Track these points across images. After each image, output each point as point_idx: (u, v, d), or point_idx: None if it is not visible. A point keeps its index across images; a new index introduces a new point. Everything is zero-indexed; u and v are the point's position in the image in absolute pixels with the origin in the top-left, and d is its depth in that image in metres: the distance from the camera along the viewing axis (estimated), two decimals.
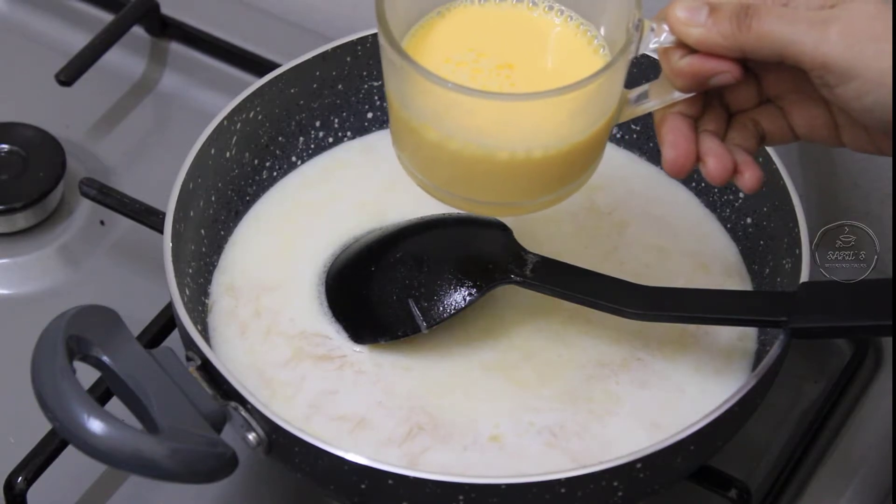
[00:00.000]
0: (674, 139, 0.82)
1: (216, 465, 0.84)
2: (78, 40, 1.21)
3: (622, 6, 0.82)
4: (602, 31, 0.86)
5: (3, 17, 1.27)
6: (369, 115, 1.06)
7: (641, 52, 0.81)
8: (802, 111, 0.82)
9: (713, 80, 0.80)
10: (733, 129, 0.84)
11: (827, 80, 0.77)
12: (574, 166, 0.85)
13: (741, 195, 1.00)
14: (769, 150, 0.96)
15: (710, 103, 0.83)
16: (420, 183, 0.87)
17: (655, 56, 0.83)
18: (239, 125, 1.00)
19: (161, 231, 0.94)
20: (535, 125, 0.81)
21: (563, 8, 0.87)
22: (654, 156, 1.05)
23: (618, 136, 1.05)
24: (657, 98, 0.83)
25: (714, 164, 0.82)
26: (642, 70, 1.01)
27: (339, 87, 1.05)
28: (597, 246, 1.00)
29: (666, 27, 0.80)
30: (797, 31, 0.77)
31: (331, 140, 1.06)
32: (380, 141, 1.06)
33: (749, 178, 0.82)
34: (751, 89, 0.83)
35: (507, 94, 0.83)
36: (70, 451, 0.96)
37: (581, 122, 0.82)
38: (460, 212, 1.01)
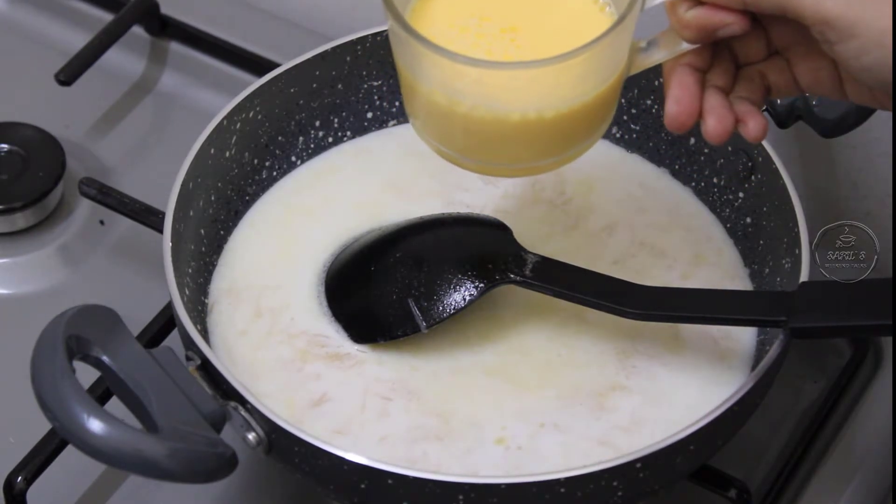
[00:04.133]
0: (679, 94, 0.82)
1: (216, 465, 0.84)
2: (78, 40, 1.21)
3: None
4: None
5: (3, 17, 1.27)
6: (369, 115, 1.06)
7: (648, 6, 0.81)
8: (807, 63, 0.82)
9: (720, 32, 0.80)
10: (740, 82, 0.84)
11: (828, 37, 0.77)
12: (587, 123, 0.84)
13: (741, 195, 1.00)
14: (769, 150, 0.96)
15: (719, 55, 0.83)
16: (435, 149, 0.87)
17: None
18: (239, 125, 1.00)
19: (161, 231, 0.94)
20: (544, 88, 0.81)
21: None
22: (653, 155, 1.05)
23: (617, 135, 1.05)
24: (666, 49, 0.83)
25: (713, 123, 0.81)
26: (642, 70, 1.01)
27: (339, 87, 1.05)
28: (595, 245, 1.00)
29: None
30: None
31: (330, 140, 1.06)
32: (377, 142, 1.06)
33: (753, 127, 0.82)
34: (759, 41, 0.82)
35: (513, 63, 0.82)
36: (70, 451, 0.96)
37: (591, 81, 0.82)
38: (460, 211, 1.01)
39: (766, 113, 0.98)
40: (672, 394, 0.93)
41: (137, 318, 1.01)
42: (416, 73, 0.83)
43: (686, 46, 0.82)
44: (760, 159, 0.97)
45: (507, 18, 0.85)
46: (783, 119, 0.98)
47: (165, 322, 1.03)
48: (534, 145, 0.84)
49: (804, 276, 0.91)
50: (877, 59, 0.77)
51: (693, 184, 1.03)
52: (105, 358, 0.86)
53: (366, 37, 1.03)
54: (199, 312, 0.96)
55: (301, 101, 1.04)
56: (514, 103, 0.82)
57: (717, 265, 1.00)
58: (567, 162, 0.86)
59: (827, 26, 0.77)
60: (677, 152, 1.03)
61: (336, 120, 1.06)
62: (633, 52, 0.83)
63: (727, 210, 1.01)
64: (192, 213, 0.97)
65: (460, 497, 0.84)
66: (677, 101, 0.82)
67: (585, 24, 0.85)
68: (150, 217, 1.06)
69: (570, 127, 0.83)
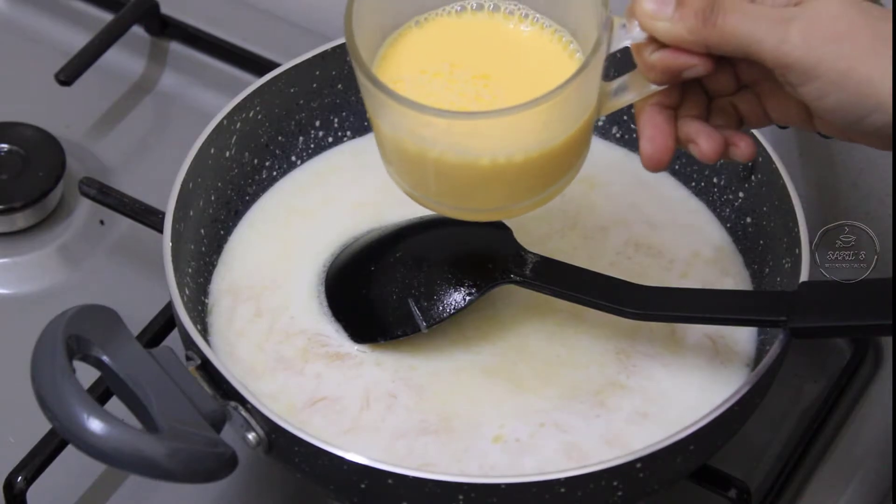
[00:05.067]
0: (651, 134, 0.83)
1: (216, 465, 0.84)
2: (78, 40, 1.21)
3: (589, 7, 0.83)
4: (576, 34, 0.86)
5: (3, 17, 1.28)
6: None
7: (614, 49, 0.82)
8: (776, 99, 0.82)
9: (685, 74, 0.81)
10: (714, 114, 0.84)
11: (789, 79, 0.78)
12: (558, 166, 0.85)
13: (741, 195, 1.00)
14: (769, 150, 0.96)
15: (690, 90, 0.83)
16: (409, 194, 0.87)
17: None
18: (239, 125, 1.00)
19: (161, 231, 0.94)
20: (512, 134, 0.82)
21: (537, 16, 0.87)
22: None
23: (617, 135, 1.05)
24: (635, 91, 0.84)
25: (706, 143, 0.82)
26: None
27: (339, 86, 1.05)
28: (594, 245, 1.00)
29: (636, 23, 0.81)
30: (759, 29, 0.77)
31: (330, 140, 1.06)
32: (375, 142, 1.06)
33: (744, 147, 0.83)
34: (728, 76, 0.83)
35: (479, 113, 0.83)
36: (70, 451, 0.96)
37: (560, 126, 0.82)
38: None
39: None
40: (672, 394, 0.93)
41: (137, 318, 1.01)
42: (386, 122, 0.83)
43: (654, 87, 0.83)
44: (760, 159, 0.97)
45: (478, 66, 0.86)
46: None
47: (165, 322, 1.03)
48: (506, 189, 0.85)
49: (804, 276, 0.91)
50: (838, 100, 0.77)
51: (693, 184, 1.03)
52: (105, 358, 0.86)
53: None
54: (199, 312, 0.96)
55: (301, 101, 1.04)
56: (482, 149, 0.82)
57: (717, 265, 1.00)
58: (542, 203, 0.86)
59: (787, 69, 0.77)
60: (677, 152, 1.03)
61: (336, 120, 1.06)
62: (602, 95, 0.84)
63: (727, 210, 1.01)
64: (192, 213, 0.97)
65: (460, 497, 0.84)
66: (651, 141, 0.83)
67: (556, 69, 0.85)
68: (150, 217, 1.06)
69: (541, 170, 0.84)
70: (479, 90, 0.85)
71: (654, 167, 0.83)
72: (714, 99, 0.84)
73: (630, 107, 1.04)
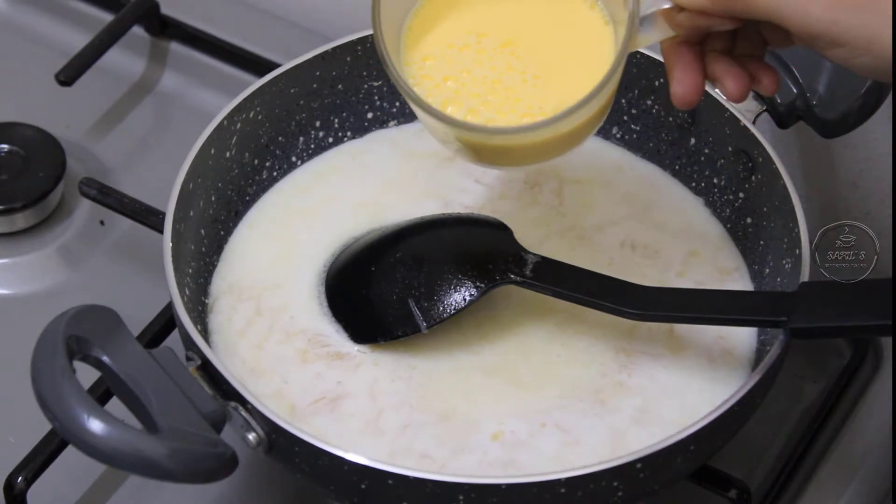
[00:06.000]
0: (681, 76, 0.84)
1: (216, 465, 0.84)
2: (78, 40, 1.21)
3: None
4: None
5: (3, 17, 1.27)
6: (369, 115, 1.06)
7: (642, 15, 0.82)
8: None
9: (713, 30, 0.82)
10: (738, 41, 0.85)
11: (816, 46, 0.79)
12: (599, 115, 0.86)
13: (741, 195, 1.00)
14: (769, 150, 0.96)
15: None
16: (462, 158, 0.89)
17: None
18: (239, 125, 1.00)
19: (161, 231, 0.94)
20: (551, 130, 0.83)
21: None
22: (653, 155, 1.04)
23: (618, 135, 1.05)
24: (661, 30, 0.84)
25: (732, 84, 0.84)
26: (642, 70, 1.01)
27: (339, 87, 1.04)
28: (592, 246, 1.00)
29: None
30: (783, 3, 0.78)
31: (331, 140, 1.06)
32: (377, 142, 1.06)
33: (768, 83, 0.85)
34: None
35: (516, 128, 0.84)
36: (70, 451, 0.96)
37: (599, 100, 0.84)
38: (460, 212, 1.01)
39: (766, 113, 0.98)
40: (672, 394, 0.93)
41: (137, 318, 1.01)
42: (426, 120, 0.85)
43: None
44: (760, 160, 0.97)
45: (503, 32, 0.86)
46: (783, 119, 0.98)
47: (165, 322, 1.03)
48: (556, 146, 0.86)
49: (804, 277, 0.91)
50: (865, 62, 0.78)
51: (693, 184, 1.03)
52: (105, 358, 0.86)
53: (366, 37, 1.03)
54: (200, 312, 0.96)
55: (301, 102, 1.04)
56: (518, 142, 0.84)
57: (717, 265, 1.00)
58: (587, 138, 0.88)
59: (813, 39, 0.78)
60: (677, 152, 1.03)
61: (336, 120, 1.05)
62: (631, 31, 0.84)
63: (727, 210, 1.01)
64: (192, 214, 0.97)
65: (460, 497, 0.84)
66: (681, 83, 0.84)
67: (579, 28, 0.86)
68: (150, 217, 1.06)
69: (585, 126, 0.85)
70: (509, 61, 0.86)
71: (685, 106, 0.85)
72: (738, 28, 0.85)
73: (630, 107, 1.04)
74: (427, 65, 0.85)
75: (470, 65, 0.85)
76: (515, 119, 0.85)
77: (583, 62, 0.85)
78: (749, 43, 0.85)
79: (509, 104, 0.85)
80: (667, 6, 0.82)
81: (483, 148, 0.86)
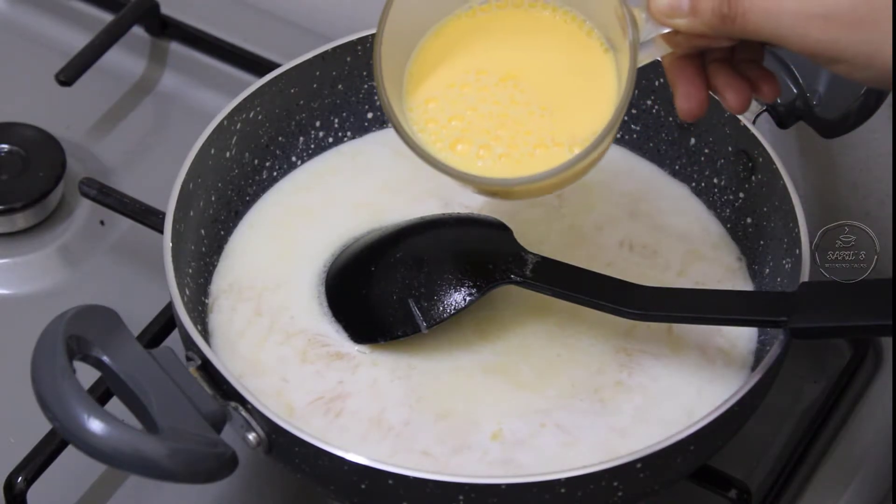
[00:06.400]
0: (685, 90, 0.84)
1: (216, 465, 0.84)
2: (78, 40, 1.21)
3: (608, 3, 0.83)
4: (596, 23, 0.86)
5: (3, 17, 1.27)
6: (369, 114, 1.06)
7: (642, 41, 0.82)
8: None
9: (711, 46, 0.82)
10: (739, 45, 0.85)
11: (816, 61, 0.79)
12: (608, 146, 0.86)
13: (741, 195, 1.00)
14: (769, 150, 0.96)
15: None
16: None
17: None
18: (239, 125, 1.00)
19: (161, 231, 0.94)
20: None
21: (555, 4, 0.87)
22: (654, 156, 1.05)
23: (617, 135, 1.05)
24: (660, 48, 0.84)
25: (733, 97, 0.84)
26: (642, 70, 1.01)
27: (339, 87, 1.04)
28: (592, 245, 1.00)
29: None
30: (782, 26, 0.78)
31: (331, 140, 1.06)
32: (377, 142, 1.06)
33: (768, 90, 0.85)
34: None
35: (523, 178, 0.84)
36: (70, 451, 0.96)
37: (613, 133, 0.84)
38: (460, 212, 1.01)
39: (766, 113, 0.98)
40: (672, 393, 0.93)
41: (137, 318, 1.01)
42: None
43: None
44: (761, 159, 0.97)
45: (502, 67, 0.87)
46: (783, 119, 0.98)
47: (165, 322, 1.03)
48: (566, 179, 0.86)
49: (804, 277, 0.91)
50: (867, 76, 0.78)
51: (693, 184, 1.03)
52: (105, 358, 0.86)
53: (366, 37, 1.03)
54: (200, 312, 0.96)
55: (301, 102, 1.04)
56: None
57: (717, 265, 1.00)
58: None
59: (813, 56, 0.78)
60: (677, 152, 1.03)
61: (336, 120, 1.05)
62: (635, 60, 0.84)
63: (727, 210, 1.01)
64: (192, 214, 0.97)
65: (460, 497, 0.84)
66: (686, 98, 0.84)
67: (579, 56, 0.86)
68: (150, 217, 1.06)
69: (595, 161, 0.85)
70: (512, 94, 0.86)
71: (692, 119, 0.85)
72: None
73: (630, 107, 1.04)
74: (430, 108, 0.86)
75: (474, 102, 0.86)
76: (528, 151, 0.85)
77: (587, 90, 0.86)
78: (749, 47, 0.84)
79: (520, 137, 0.85)
80: (665, 31, 0.82)
81: (498, 191, 0.86)
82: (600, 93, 0.85)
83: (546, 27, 0.87)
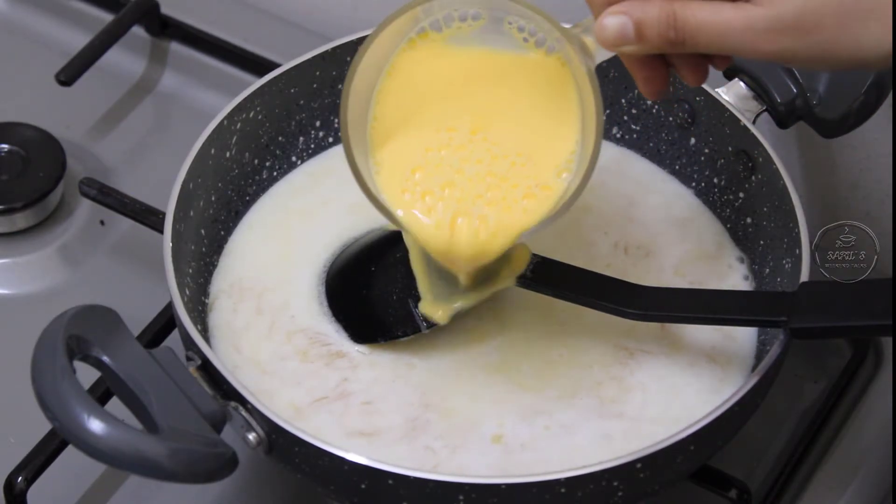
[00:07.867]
0: (645, 76, 0.84)
1: (216, 465, 0.84)
2: (78, 40, 1.21)
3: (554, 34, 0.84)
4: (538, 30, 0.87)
5: (3, 17, 1.28)
6: None
7: (598, 62, 0.83)
8: None
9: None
10: None
11: (772, 63, 0.81)
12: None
13: (741, 195, 1.00)
14: (769, 150, 0.96)
15: None
16: None
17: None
18: (239, 125, 1.00)
19: (161, 231, 0.94)
20: None
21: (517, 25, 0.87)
22: (653, 155, 1.05)
23: (617, 135, 1.05)
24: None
25: (689, 73, 0.84)
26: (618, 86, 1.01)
27: (339, 87, 1.04)
28: (592, 246, 1.00)
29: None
30: (731, 42, 0.78)
31: (331, 140, 1.06)
32: None
33: (720, 60, 0.84)
34: None
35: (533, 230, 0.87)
36: (70, 451, 0.96)
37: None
38: None
39: (766, 113, 0.98)
40: (672, 393, 0.93)
41: (137, 318, 1.01)
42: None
43: None
44: (761, 159, 0.97)
45: (466, 119, 0.87)
46: (783, 119, 0.98)
47: (165, 322, 1.03)
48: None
49: (804, 277, 0.91)
50: (827, 68, 0.80)
51: (693, 184, 1.03)
52: (105, 358, 0.86)
53: (366, 37, 1.03)
54: (200, 312, 0.96)
55: (301, 102, 1.04)
56: None
57: (717, 265, 1.00)
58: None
59: (767, 62, 0.81)
60: (677, 152, 1.03)
61: (336, 120, 1.05)
62: (595, 86, 0.84)
63: (727, 210, 1.01)
64: (192, 214, 0.97)
65: (460, 497, 0.84)
66: (648, 81, 0.84)
67: (535, 82, 0.86)
68: (150, 217, 1.06)
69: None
70: (488, 147, 0.87)
71: (658, 98, 0.86)
72: None
73: (630, 107, 1.04)
74: (417, 177, 0.86)
75: (458, 163, 0.87)
76: (520, 208, 0.86)
77: (554, 116, 0.86)
78: None
79: (509, 194, 0.87)
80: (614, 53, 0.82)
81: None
82: (567, 112, 0.86)
83: (493, 58, 0.87)
